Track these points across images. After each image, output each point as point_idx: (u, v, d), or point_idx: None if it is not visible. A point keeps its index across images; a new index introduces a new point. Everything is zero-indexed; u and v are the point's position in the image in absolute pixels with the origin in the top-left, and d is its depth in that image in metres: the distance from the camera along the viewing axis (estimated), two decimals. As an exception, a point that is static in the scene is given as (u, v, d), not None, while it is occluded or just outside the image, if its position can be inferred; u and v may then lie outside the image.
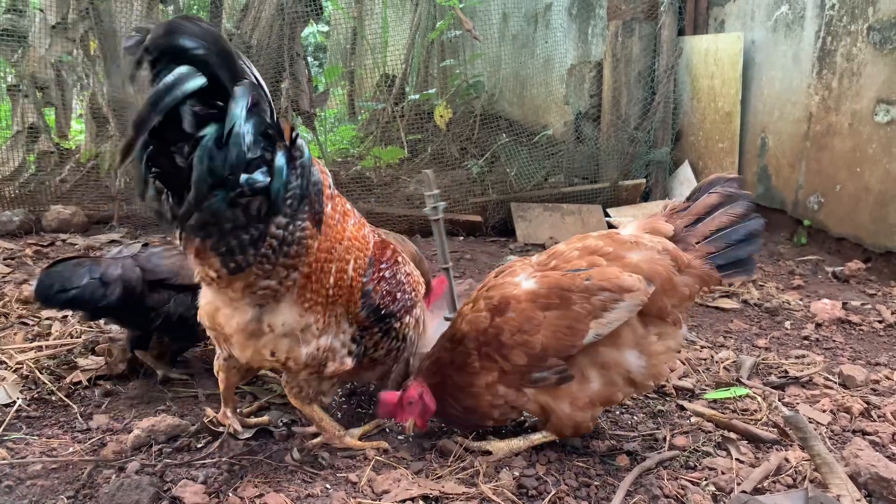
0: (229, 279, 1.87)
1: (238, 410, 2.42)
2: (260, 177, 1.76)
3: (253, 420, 2.44)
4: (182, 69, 1.63)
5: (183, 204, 1.71)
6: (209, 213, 1.73)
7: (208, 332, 2.14)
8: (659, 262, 2.15)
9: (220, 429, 2.32)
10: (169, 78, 1.61)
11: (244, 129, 1.68)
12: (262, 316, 1.98)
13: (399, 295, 2.28)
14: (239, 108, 1.67)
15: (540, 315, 2.13)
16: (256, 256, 1.84)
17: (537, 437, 2.29)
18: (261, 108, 1.75)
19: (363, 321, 2.17)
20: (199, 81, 1.64)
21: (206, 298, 2.05)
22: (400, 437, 2.43)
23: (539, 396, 2.20)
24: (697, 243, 2.24)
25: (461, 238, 5.92)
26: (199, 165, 1.66)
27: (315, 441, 2.32)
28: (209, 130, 1.67)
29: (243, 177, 1.72)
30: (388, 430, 2.49)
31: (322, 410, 2.30)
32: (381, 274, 2.23)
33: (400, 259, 2.37)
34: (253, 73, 1.76)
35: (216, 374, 2.28)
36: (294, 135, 1.86)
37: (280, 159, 1.80)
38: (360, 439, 2.35)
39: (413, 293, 2.37)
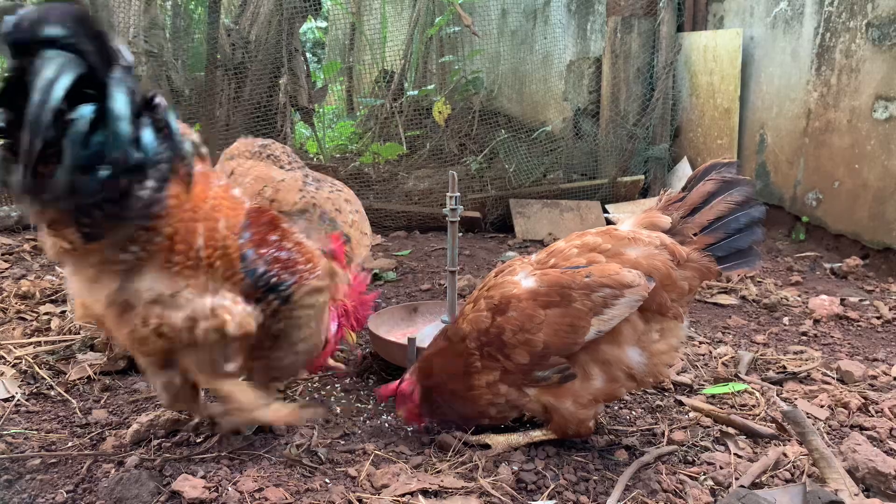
0: (85, 249, 1.78)
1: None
2: (134, 154, 1.69)
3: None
4: (58, 60, 1.55)
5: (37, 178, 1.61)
6: (78, 194, 1.65)
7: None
8: (657, 257, 2.13)
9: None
10: (48, 73, 1.54)
11: (125, 127, 1.64)
12: (128, 284, 1.87)
13: (289, 263, 2.12)
14: (120, 106, 1.63)
15: (541, 313, 2.12)
16: (117, 223, 1.75)
17: (537, 435, 2.29)
18: (134, 92, 1.69)
19: (249, 288, 2.02)
20: (76, 70, 1.58)
21: (72, 285, 1.93)
22: (401, 433, 2.43)
23: (542, 396, 2.20)
24: (695, 234, 2.20)
25: (460, 234, 5.91)
26: (72, 152, 1.60)
27: (229, 419, 2.18)
28: (82, 113, 1.60)
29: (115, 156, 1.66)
30: (387, 425, 2.50)
31: (235, 383, 2.14)
32: (261, 237, 2.07)
33: (285, 225, 2.19)
34: (122, 53, 1.69)
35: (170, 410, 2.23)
36: (155, 102, 1.77)
37: (148, 133, 1.73)
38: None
39: (309, 264, 2.19)
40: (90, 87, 1.63)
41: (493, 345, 2.18)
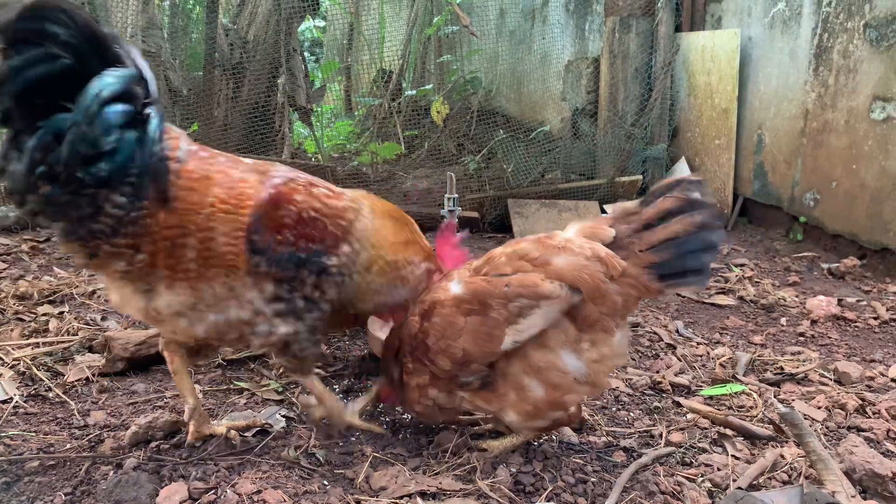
0: (94, 263, 1.89)
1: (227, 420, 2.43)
2: (104, 165, 1.72)
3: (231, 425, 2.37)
4: (33, 52, 1.63)
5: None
6: (43, 203, 1.72)
7: None
8: (586, 269, 2.02)
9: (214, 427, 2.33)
10: (12, 62, 1.63)
11: (89, 126, 1.67)
12: (149, 302, 1.98)
13: (316, 232, 2.12)
14: (86, 103, 1.66)
15: (461, 321, 2.09)
16: (104, 241, 1.83)
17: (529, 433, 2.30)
18: (132, 95, 1.74)
19: (283, 274, 2.05)
20: (47, 67, 1.64)
21: (108, 286, 2.05)
22: (399, 435, 2.43)
23: (474, 399, 2.18)
24: (642, 251, 2.06)
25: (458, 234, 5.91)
26: (27, 157, 1.67)
27: (318, 414, 2.36)
28: (51, 123, 1.67)
29: (86, 169, 1.70)
30: (384, 426, 2.50)
31: (322, 384, 2.34)
32: (278, 223, 2.05)
33: (299, 198, 2.11)
34: (131, 57, 1.75)
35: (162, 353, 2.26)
36: (144, 111, 1.81)
37: (128, 139, 1.76)
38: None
39: (340, 220, 2.19)
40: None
41: (419, 349, 2.18)
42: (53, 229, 1.83)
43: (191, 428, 2.25)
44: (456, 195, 2.86)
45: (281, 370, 2.89)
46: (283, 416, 2.50)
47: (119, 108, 1.73)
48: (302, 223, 2.09)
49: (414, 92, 7.60)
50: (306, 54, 9.13)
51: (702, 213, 2.04)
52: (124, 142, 1.75)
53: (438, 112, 7.11)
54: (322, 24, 10.45)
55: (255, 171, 2.12)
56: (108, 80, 1.69)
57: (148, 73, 1.80)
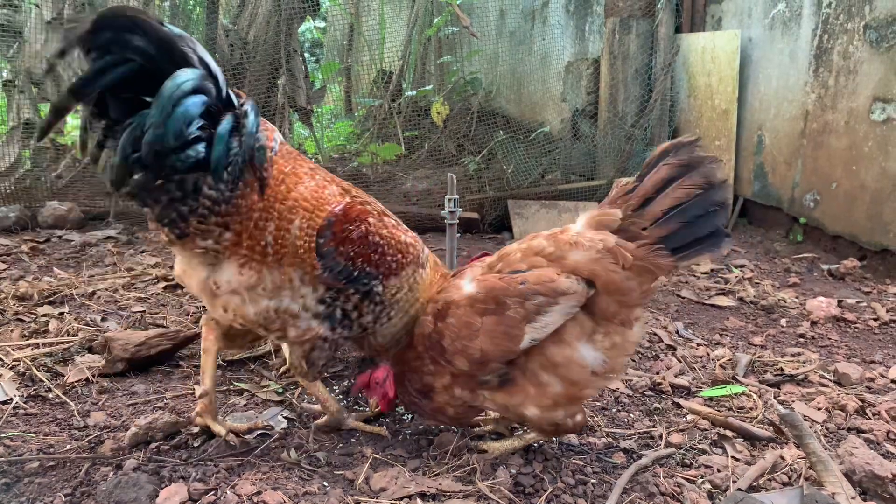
0: (180, 242, 2.04)
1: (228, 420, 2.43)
2: (193, 153, 1.87)
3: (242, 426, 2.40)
4: (107, 58, 1.76)
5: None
6: (136, 188, 1.89)
7: None
8: (599, 262, 1.99)
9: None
10: (90, 69, 1.76)
11: (172, 119, 1.80)
12: (211, 274, 2.11)
13: (375, 256, 2.22)
14: (166, 98, 1.79)
15: (478, 321, 2.07)
16: (195, 221, 1.99)
17: (531, 437, 2.30)
18: (204, 89, 1.87)
19: (331, 282, 2.16)
20: (120, 71, 1.78)
21: (176, 259, 2.21)
22: (399, 436, 2.43)
23: (495, 397, 2.16)
24: (645, 229, 1.99)
25: (458, 235, 5.91)
26: (120, 151, 1.82)
27: (319, 421, 2.41)
28: (136, 119, 1.82)
29: (173, 157, 1.85)
30: (385, 428, 2.50)
31: (325, 390, 2.41)
32: (345, 235, 2.17)
33: (372, 220, 2.24)
34: (197, 54, 1.88)
35: (200, 328, 2.36)
36: (241, 105, 1.98)
37: (224, 127, 1.91)
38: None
39: (399, 255, 2.29)
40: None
41: (435, 350, 2.17)
42: (150, 212, 1.98)
43: (198, 406, 2.30)
44: (457, 196, 2.86)
45: (282, 370, 2.89)
46: (285, 418, 2.50)
47: (193, 101, 1.85)
48: (365, 243, 2.20)
49: (414, 93, 7.59)
50: (306, 55, 9.13)
51: (701, 174, 1.95)
52: (218, 132, 1.90)
53: (438, 113, 7.11)
54: (322, 24, 10.46)
55: (339, 185, 2.29)
56: (179, 80, 1.81)
57: (215, 68, 1.92)
